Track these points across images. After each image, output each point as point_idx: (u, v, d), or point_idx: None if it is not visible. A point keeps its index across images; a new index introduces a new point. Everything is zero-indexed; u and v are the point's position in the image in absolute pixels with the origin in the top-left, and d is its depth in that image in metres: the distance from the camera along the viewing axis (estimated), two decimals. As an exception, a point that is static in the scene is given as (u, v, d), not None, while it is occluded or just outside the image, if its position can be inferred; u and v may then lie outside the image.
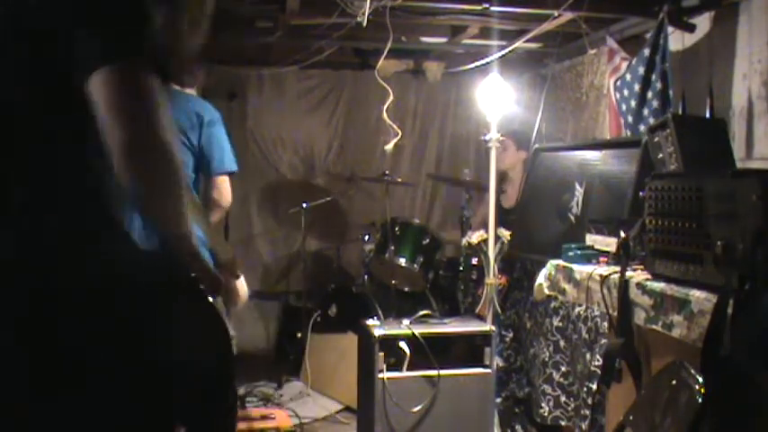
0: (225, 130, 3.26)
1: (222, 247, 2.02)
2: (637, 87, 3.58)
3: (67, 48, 1.23)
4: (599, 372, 2.37)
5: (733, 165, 2.39)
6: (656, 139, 2.29)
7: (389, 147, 4.00)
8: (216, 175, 3.18)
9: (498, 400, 3.63)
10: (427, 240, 3.97)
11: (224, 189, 3.22)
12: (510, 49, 4.43)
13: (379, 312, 3.58)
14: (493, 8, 3.82)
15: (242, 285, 2.46)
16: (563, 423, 3.36)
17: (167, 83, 1.30)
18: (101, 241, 1.30)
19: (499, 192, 4.21)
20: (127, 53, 1.22)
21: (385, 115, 3.89)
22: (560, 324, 3.33)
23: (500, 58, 4.45)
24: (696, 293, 1.69)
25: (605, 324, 2.70)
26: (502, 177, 4.42)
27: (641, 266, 2.01)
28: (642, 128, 3.47)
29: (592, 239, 2.40)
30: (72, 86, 1.22)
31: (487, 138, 3.50)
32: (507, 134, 4.16)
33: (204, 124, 3.20)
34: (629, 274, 1.97)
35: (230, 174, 3.23)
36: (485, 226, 3.58)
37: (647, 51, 3.51)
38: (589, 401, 3.02)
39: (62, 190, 1.28)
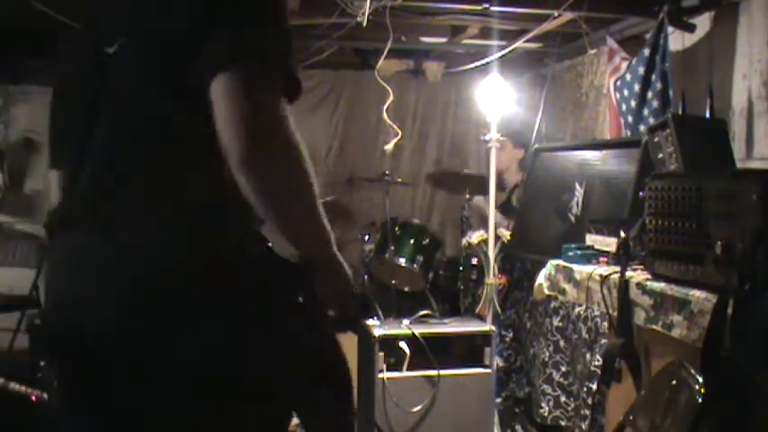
0: None
1: None
2: (637, 87, 3.58)
3: (195, 48, 1.17)
4: (599, 372, 2.37)
5: (733, 165, 2.39)
6: (656, 139, 2.29)
7: (389, 147, 3.99)
8: None
9: (498, 400, 3.63)
10: (427, 240, 3.97)
11: None
12: (510, 49, 4.43)
13: (379, 312, 3.58)
14: (493, 8, 3.82)
15: None
16: (563, 423, 3.36)
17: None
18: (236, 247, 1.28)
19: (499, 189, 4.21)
20: (253, 59, 1.16)
21: (385, 115, 3.89)
22: (560, 324, 3.33)
23: (500, 58, 4.45)
24: (696, 293, 1.69)
25: (605, 324, 2.70)
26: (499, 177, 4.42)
27: (641, 266, 2.01)
28: (642, 128, 3.47)
29: (592, 239, 2.40)
30: (200, 88, 1.17)
31: (487, 138, 3.50)
32: (504, 134, 4.15)
33: None
34: (629, 274, 1.97)
35: None
36: (484, 224, 3.58)
37: (647, 51, 3.51)
38: (589, 401, 3.02)
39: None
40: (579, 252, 2.33)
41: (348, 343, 4.10)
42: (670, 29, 3.47)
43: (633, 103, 3.62)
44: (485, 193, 3.66)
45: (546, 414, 3.38)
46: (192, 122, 1.20)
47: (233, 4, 1.19)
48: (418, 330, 3.34)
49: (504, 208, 4.02)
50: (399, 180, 4.75)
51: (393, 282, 3.87)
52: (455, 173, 5.18)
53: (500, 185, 4.17)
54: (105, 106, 1.29)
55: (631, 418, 1.75)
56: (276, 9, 1.24)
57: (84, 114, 1.32)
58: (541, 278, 2.48)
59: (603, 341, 2.82)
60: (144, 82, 1.26)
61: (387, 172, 4.53)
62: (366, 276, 4.34)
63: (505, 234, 3.42)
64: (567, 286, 2.30)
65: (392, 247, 3.86)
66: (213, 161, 1.18)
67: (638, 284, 1.91)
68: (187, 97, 1.19)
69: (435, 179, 5.46)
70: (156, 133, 1.24)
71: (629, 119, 3.67)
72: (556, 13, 3.78)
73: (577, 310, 3.14)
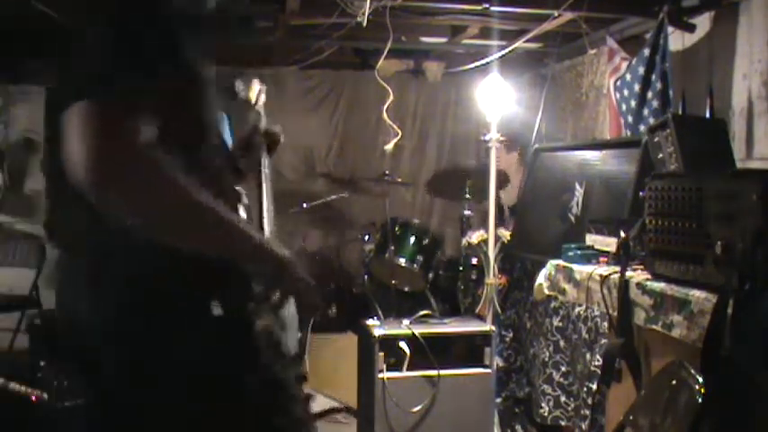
0: (229, 131, 3.29)
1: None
2: (637, 87, 3.58)
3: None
4: (599, 372, 2.37)
5: (733, 165, 2.39)
6: (656, 139, 2.29)
7: (389, 147, 4.00)
8: None
9: (498, 400, 3.63)
10: (427, 240, 3.97)
11: None
12: (510, 49, 4.43)
13: (379, 312, 3.58)
14: (493, 8, 3.82)
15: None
16: (563, 423, 3.36)
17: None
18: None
19: (499, 190, 4.22)
20: (105, 94, 1.15)
21: (385, 115, 3.89)
22: (560, 324, 3.33)
23: (500, 58, 4.45)
24: (696, 293, 1.69)
25: (605, 324, 2.70)
26: (502, 177, 4.42)
27: (641, 266, 2.01)
28: (642, 128, 3.47)
29: (592, 239, 2.40)
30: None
31: (487, 138, 3.50)
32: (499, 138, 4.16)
33: None
34: (629, 274, 1.97)
35: None
36: (485, 225, 3.58)
37: (647, 51, 3.51)
38: (589, 401, 3.02)
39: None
40: (579, 252, 2.33)
41: (348, 343, 4.12)
42: (670, 29, 3.47)
43: (633, 103, 3.62)
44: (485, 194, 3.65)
45: (546, 414, 3.38)
46: None
47: (91, 33, 1.20)
48: (418, 330, 3.34)
49: (513, 211, 4.03)
50: (399, 180, 4.76)
51: (393, 282, 3.87)
52: (455, 171, 5.16)
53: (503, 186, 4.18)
54: None
55: (631, 417, 1.75)
56: (133, 39, 1.20)
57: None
58: (541, 278, 2.48)
59: (603, 341, 2.82)
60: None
61: (387, 172, 4.54)
62: (366, 276, 4.34)
63: (505, 234, 3.42)
64: (567, 286, 2.31)
65: (392, 247, 3.86)
66: None
67: (638, 284, 1.91)
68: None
69: (435, 182, 5.46)
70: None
71: (629, 119, 3.67)
72: (556, 13, 3.78)
73: (577, 310, 3.14)
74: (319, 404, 4.38)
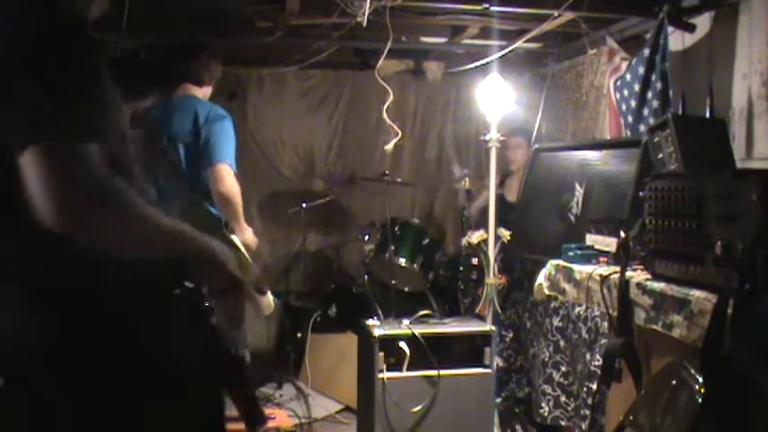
0: (232, 130, 3.31)
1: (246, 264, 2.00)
2: (637, 87, 3.58)
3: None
4: (599, 372, 2.37)
5: (733, 165, 2.39)
6: (656, 139, 2.29)
7: (389, 147, 3.99)
8: (214, 164, 3.23)
9: (498, 400, 3.63)
10: (427, 240, 3.97)
11: (224, 177, 3.24)
12: (510, 49, 4.43)
13: (379, 312, 3.58)
14: (493, 8, 3.82)
15: (269, 299, 2.45)
16: (563, 423, 3.37)
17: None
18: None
19: (504, 186, 4.24)
20: (61, 134, 1.17)
21: (385, 115, 3.89)
22: (560, 324, 3.33)
23: (500, 58, 4.45)
24: (696, 293, 1.69)
25: (605, 324, 2.70)
26: (506, 175, 4.43)
27: (641, 266, 2.01)
28: (642, 128, 3.47)
29: (592, 239, 2.40)
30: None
31: (488, 138, 3.50)
32: (519, 134, 4.18)
33: (202, 121, 3.25)
34: (629, 274, 1.97)
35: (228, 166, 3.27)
36: (484, 225, 3.58)
37: (647, 51, 3.51)
38: (589, 401, 3.02)
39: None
40: (579, 252, 2.34)
41: (348, 343, 4.12)
42: (670, 29, 3.47)
43: (633, 103, 3.62)
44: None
45: (546, 414, 3.38)
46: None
47: (30, 75, 1.20)
48: (418, 330, 3.34)
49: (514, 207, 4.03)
50: (399, 180, 4.76)
51: (393, 282, 3.87)
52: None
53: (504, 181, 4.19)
54: None
55: (631, 417, 1.75)
56: (80, 73, 1.23)
57: None
58: (541, 278, 2.48)
59: (603, 341, 2.83)
60: None
61: (387, 172, 4.54)
62: (366, 276, 4.34)
63: (505, 234, 3.42)
64: (567, 286, 2.31)
65: (392, 247, 3.86)
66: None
67: (638, 284, 1.91)
68: None
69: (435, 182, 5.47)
70: None
71: (629, 119, 3.67)
72: (556, 13, 3.78)
73: (577, 310, 3.14)
74: (319, 404, 4.38)
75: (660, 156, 2.26)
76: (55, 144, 1.17)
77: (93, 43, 1.26)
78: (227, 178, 3.27)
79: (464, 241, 3.74)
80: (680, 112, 3.38)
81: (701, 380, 1.53)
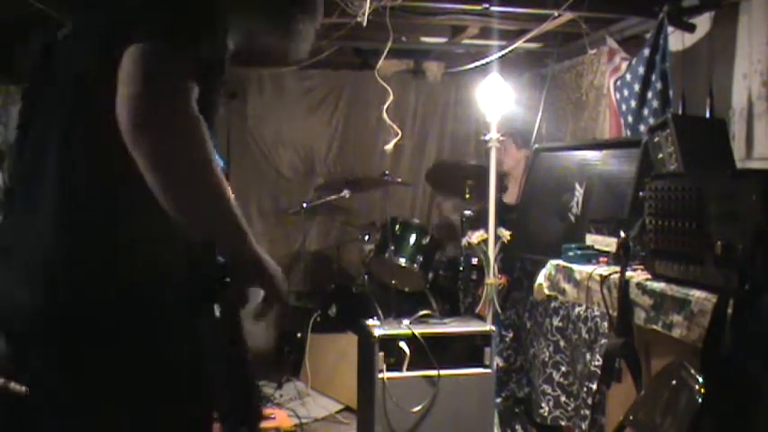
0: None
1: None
2: (637, 87, 3.58)
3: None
4: (599, 372, 2.37)
5: (733, 165, 2.39)
6: (656, 139, 2.29)
7: (389, 147, 3.99)
8: None
9: (498, 400, 3.63)
10: (427, 240, 3.97)
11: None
12: (510, 49, 4.43)
13: (379, 312, 3.58)
14: (493, 8, 3.82)
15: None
16: (563, 423, 3.36)
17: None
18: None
19: (500, 189, 4.23)
20: (156, 34, 1.16)
21: (385, 115, 3.89)
22: (560, 324, 3.33)
23: (500, 58, 4.45)
24: (696, 293, 1.69)
25: (605, 324, 2.70)
26: (503, 176, 4.42)
27: (641, 266, 2.01)
28: (642, 128, 3.47)
29: (592, 239, 2.40)
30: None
31: (487, 138, 3.50)
32: (507, 134, 4.17)
33: None
34: (629, 274, 1.97)
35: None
36: (484, 225, 3.57)
37: (647, 51, 3.51)
38: (589, 401, 3.02)
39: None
40: (579, 252, 2.34)
41: (348, 343, 4.12)
42: (670, 29, 3.47)
43: (633, 103, 3.62)
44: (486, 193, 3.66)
45: (546, 414, 3.38)
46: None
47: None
48: (418, 330, 3.34)
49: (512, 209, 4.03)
50: (399, 180, 4.76)
51: (393, 282, 3.87)
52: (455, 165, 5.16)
53: (504, 186, 4.18)
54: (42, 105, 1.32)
55: (631, 417, 1.75)
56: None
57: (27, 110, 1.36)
58: (541, 278, 2.48)
59: (603, 341, 2.82)
60: (81, 81, 1.26)
61: (387, 172, 4.54)
62: (366, 276, 4.35)
63: (505, 234, 3.42)
64: (567, 286, 2.31)
65: (392, 247, 3.86)
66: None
67: (638, 284, 1.91)
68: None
69: (435, 177, 5.45)
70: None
71: (629, 119, 3.67)
72: (556, 13, 3.78)
73: (577, 310, 3.14)
74: (319, 404, 4.38)
75: (660, 156, 2.26)
76: (159, 44, 1.15)
77: None
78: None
79: (464, 241, 3.74)
80: (680, 112, 3.38)
81: (701, 380, 1.53)
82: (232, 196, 1.22)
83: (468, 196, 4.12)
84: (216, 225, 1.22)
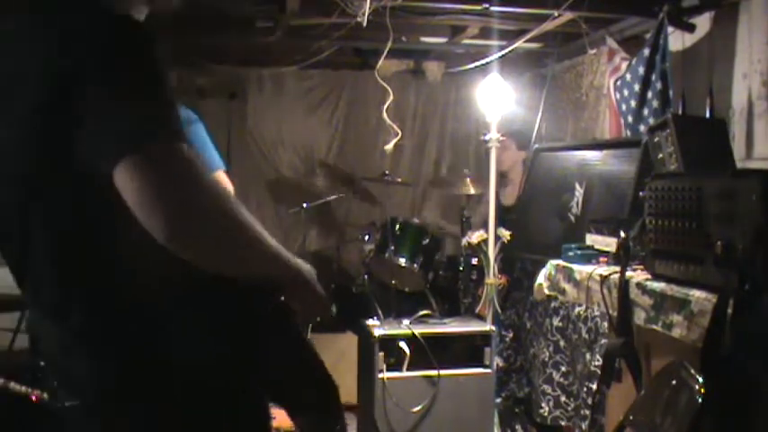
0: (205, 130, 3.27)
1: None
2: (637, 87, 3.58)
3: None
4: (599, 372, 2.38)
5: (733, 165, 2.39)
6: (656, 139, 2.29)
7: (389, 147, 3.99)
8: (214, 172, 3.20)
9: (498, 400, 3.63)
10: (427, 240, 3.97)
11: (225, 183, 3.22)
12: (510, 49, 4.42)
13: (379, 312, 3.58)
14: (493, 8, 3.82)
15: None
16: (563, 423, 3.36)
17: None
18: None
19: (499, 190, 4.22)
20: (152, 137, 1.09)
21: (385, 115, 3.89)
22: (560, 324, 3.33)
23: (500, 58, 4.45)
24: (696, 293, 1.69)
25: (605, 324, 2.70)
26: (501, 177, 4.42)
27: (641, 266, 2.01)
28: (642, 128, 3.47)
29: (592, 239, 2.40)
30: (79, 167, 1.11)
31: (487, 138, 3.50)
32: (507, 134, 4.16)
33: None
34: (629, 274, 1.97)
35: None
36: (485, 225, 3.58)
37: (647, 51, 3.51)
38: (589, 401, 3.02)
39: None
40: (579, 252, 2.34)
41: (348, 343, 4.12)
42: (670, 29, 3.47)
43: (633, 103, 3.62)
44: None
45: (546, 414, 3.38)
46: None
47: (103, 85, 1.11)
48: (418, 330, 3.35)
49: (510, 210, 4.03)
50: (399, 180, 4.75)
51: (393, 282, 3.87)
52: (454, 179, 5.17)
53: (503, 184, 4.18)
54: None
55: (631, 417, 1.75)
56: (145, 73, 1.14)
57: None
58: (541, 278, 2.48)
59: (603, 341, 2.83)
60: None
61: (387, 172, 4.53)
62: (366, 276, 4.34)
63: (505, 234, 3.42)
64: (567, 286, 2.31)
65: (392, 247, 3.86)
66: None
67: (638, 284, 1.91)
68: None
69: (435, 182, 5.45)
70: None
71: (629, 119, 3.67)
72: (556, 13, 3.78)
73: (577, 310, 3.14)
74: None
75: (660, 156, 2.26)
76: (150, 147, 1.08)
77: (153, 38, 1.16)
78: (228, 184, 3.25)
79: (464, 241, 3.75)
80: (680, 112, 3.38)
81: (701, 380, 1.53)
82: (265, 234, 1.24)
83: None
84: (268, 269, 1.27)
